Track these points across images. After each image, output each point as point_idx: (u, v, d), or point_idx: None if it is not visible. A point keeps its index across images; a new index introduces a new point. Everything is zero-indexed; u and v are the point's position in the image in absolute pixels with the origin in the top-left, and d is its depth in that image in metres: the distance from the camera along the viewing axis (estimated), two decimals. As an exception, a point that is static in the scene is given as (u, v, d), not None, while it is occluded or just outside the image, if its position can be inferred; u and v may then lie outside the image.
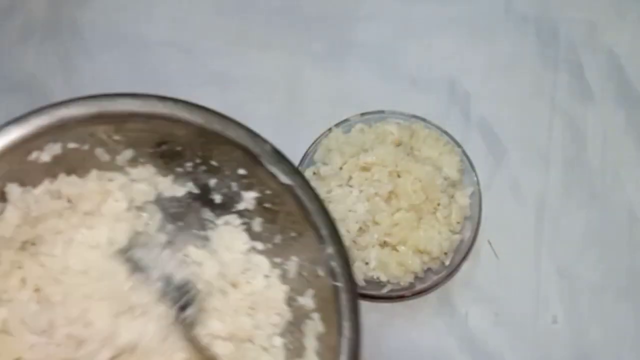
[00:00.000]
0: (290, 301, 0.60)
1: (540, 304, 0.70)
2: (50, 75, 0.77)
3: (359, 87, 0.76)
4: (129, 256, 0.59)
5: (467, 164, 0.69)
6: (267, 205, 0.59)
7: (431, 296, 0.70)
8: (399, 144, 0.68)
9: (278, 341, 0.60)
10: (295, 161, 0.68)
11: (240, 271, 0.61)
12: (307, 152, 0.70)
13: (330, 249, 0.54)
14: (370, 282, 0.67)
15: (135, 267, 0.59)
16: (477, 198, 0.68)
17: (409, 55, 0.77)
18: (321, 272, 0.55)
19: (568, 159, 0.74)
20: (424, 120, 0.70)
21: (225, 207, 0.61)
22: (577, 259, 0.71)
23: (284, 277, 0.60)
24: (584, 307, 0.70)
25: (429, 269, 0.68)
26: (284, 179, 0.55)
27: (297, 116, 0.75)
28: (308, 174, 0.69)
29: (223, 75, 0.76)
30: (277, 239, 0.60)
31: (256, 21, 0.78)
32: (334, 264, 0.54)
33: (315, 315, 0.58)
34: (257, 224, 0.60)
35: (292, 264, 0.59)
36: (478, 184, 0.69)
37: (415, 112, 0.71)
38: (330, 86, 0.76)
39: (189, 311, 0.58)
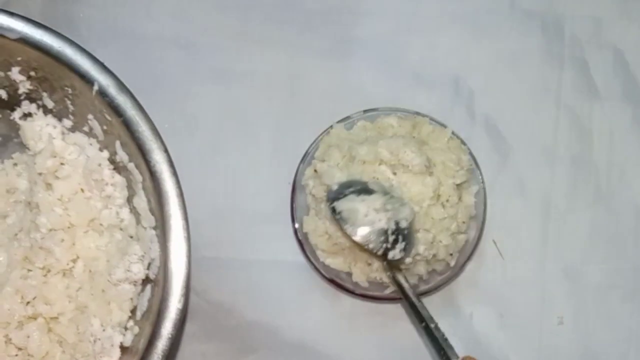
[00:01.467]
0: (114, 165, 0.61)
1: (546, 305, 0.70)
2: None
3: (361, 83, 0.75)
4: None
5: (472, 162, 0.68)
6: (32, 73, 0.60)
7: (435, 297, 0.69)
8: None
9: (125, 213, 0.61)
10: (296, 159, 0.68)
11: (60, 158, 0.62)
12: (308, 150, 0.69)
13: (96, 83, 0.56)
14: (373, 283, 0.66)
15: None
16: (482, 197, 0.67)
17: (413, 51, 0.76)
18: (109, 116, 0.56)
19: (574, 157, 0.74)
20: (428, 116, 0.68)
21: (15, 99, 0.63)
22: (583, 258, 0.71)
23: (99, 143, 0.61)
24: (589, 307, 0.70)
25: (433, 270, 0.66)
26: (14, 34, 0.57)
27: (298, 113, 0.74)
28: (309, 172, 0.67)
29: (223, 72, 0.75)
30: (69, 104, 0.61)
31: (257, 17, 0.77)
32: (108, 95, 0.56)
33: (131, 165, 0.59)
34: (46, 100, 0.62)
35: (94, 124, 0.60)
36: (483, 182, 0.68)
37: (418, 109, 0.70)
38: (332, 82, 0.75)
39: None
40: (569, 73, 0.75)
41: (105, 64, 0.72)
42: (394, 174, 0.63)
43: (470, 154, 0.68)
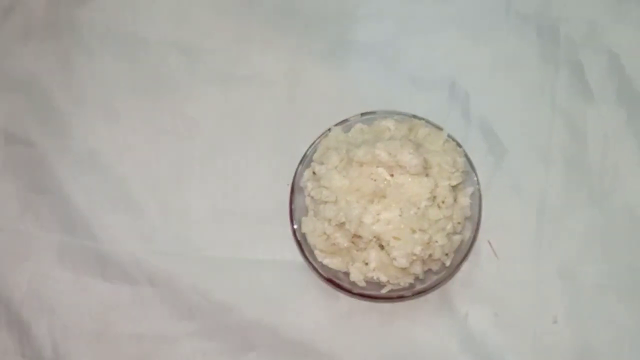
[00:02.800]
0: None
1: (541, 304, 0.71)
2: (50, 74, 0.77)
3: (359, 86, 0.76)
4: None
5: (467, 164, 0.68)
6: None
7: (431, 296, 0.70)
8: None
9: None
10: (295, 161, 0.69)
11: None
12: (306, 152, 0.69)
13: None
14: (370, 282, 0.67)
15: None
16: (477, 198, 0.68)
17: (409, 54, 0.77)
18: None
19: (568, 159, 0.73)
20: (424, 119, 0.69)
21: None
22: (578, 258, 0.71)
23: None
24: (584, 307, 0.70)
25: (429, 270, 0.67)
26: None
27: (297, 115, 0.75)
28: (308, 174, 0.68)
29: (223, 75, 0.76)
30: None
31: (256, 20, 0.77)
32: None
33: None
34: None
35: None
36: (478, 183, 0.68)
37: (415, 111, 0.70)
38: (330, 85, 0.76)
39: None
40: (564, 76, 0.75)
41: (108, 67, 0.76)
42: (391, 175, 0.64)
43: (466, 156, 0.68)
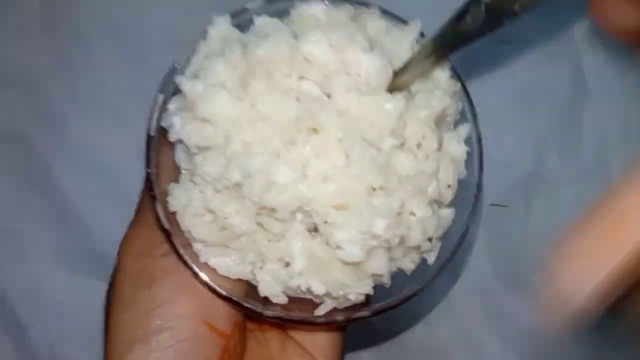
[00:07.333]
0: None
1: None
2: (47, 71, 0.76)
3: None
4: None
5: (458, 84, 0.41)
6: None
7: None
8: None
9: None
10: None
11: None
12: (173, 67, 0.42)
13: None
14: (296, 298, 0.38)
15: None
16: (475, 145, 0.40)
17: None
18: None
19: (564, 158, 0.71)
20: (379, 7, 0.42)
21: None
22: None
23: None
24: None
25: (399, 270, 0.38)
26: None
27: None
28: (176, 104, 0.40)
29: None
30: None
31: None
32: None
33: None
34: None
35: None
36: (475, 118, 0.41)
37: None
38: None
39: None
40: (563, 73, 0.72)
41: (105, 64, 0.76)
42: (327, 95, 0.36)
43: (454, 70, 0.41)
